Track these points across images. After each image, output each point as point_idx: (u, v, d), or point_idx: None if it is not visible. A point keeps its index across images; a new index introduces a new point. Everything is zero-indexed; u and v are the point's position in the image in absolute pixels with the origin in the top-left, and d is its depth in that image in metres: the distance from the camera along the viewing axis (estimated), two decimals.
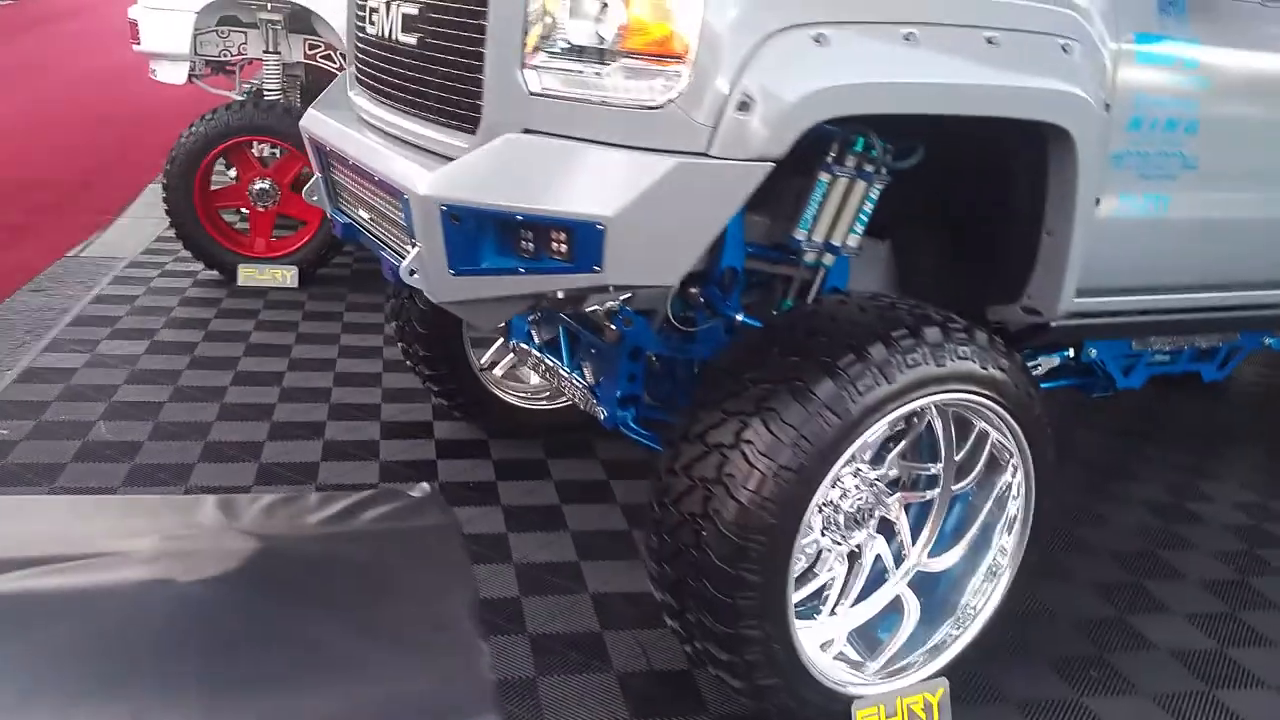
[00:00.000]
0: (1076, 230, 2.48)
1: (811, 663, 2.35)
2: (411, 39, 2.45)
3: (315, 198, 3.08)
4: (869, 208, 2.50)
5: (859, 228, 2.51)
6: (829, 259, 2.55)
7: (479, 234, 2.20)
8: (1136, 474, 4.03)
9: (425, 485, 1.80)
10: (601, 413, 2.86)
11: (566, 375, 3.04)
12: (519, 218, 2.13)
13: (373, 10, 2.67)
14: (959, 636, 2.55)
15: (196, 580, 1.38)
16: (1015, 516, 2.54)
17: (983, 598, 2.58)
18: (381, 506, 1.73)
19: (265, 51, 5.54)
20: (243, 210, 5.54)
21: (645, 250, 2.10)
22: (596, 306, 2.58)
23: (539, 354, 3.19)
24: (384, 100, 2.66)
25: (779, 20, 2.04)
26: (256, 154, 5.43)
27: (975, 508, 2.60)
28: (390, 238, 2.56)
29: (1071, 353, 3.20)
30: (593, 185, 2.09)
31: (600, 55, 2.09)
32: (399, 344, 3.82)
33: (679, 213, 2.09)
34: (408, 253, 2.43)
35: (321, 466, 3.56)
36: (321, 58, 5.70)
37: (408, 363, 3.85)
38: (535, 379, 3.98)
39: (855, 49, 2.10)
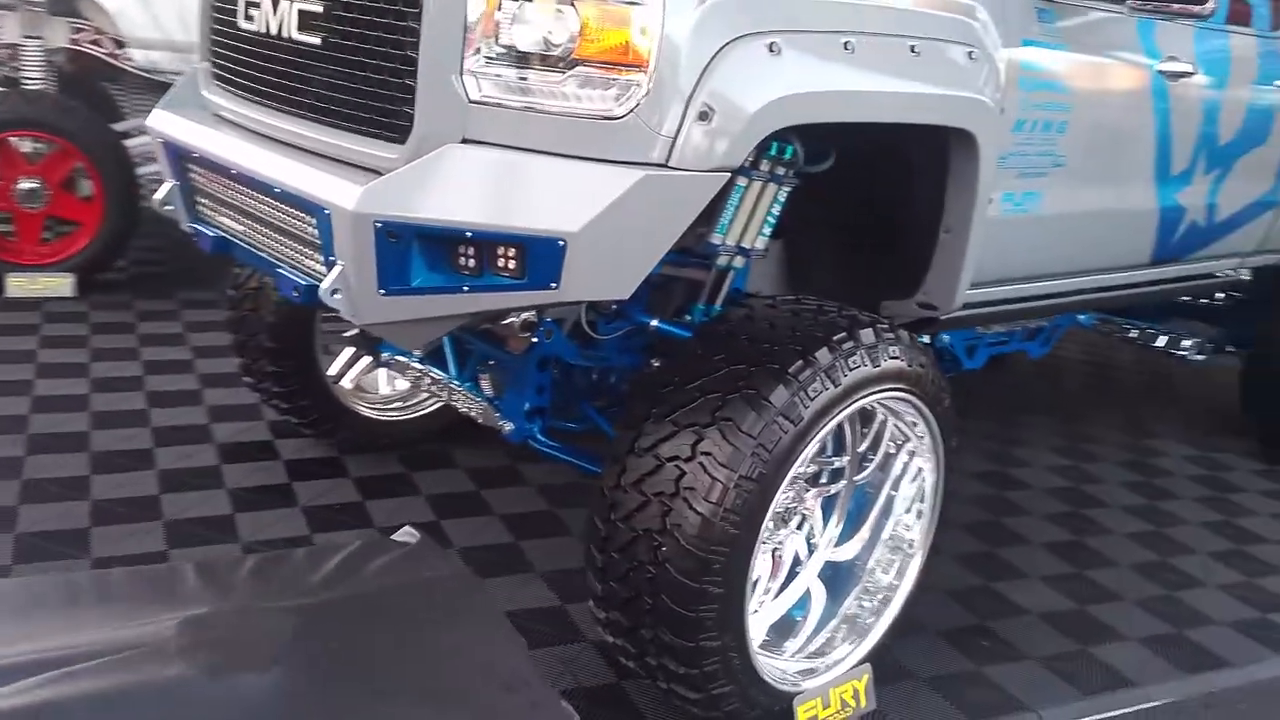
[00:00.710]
0: (975, 227, 2.61)
1: (760, 665, 2.37)
2: (313, 38, 2.25)
3: (169, 208, 2.77)
4: (777, 210, 2.52)
5: (767, 230, 2.53)
6: (740, 261, 2.57)
7: (416, 252, 2.06)
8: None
9: (411, 530, 1.67)
10: (506, 426, 2.75)
11: (457, 389, 2.90)
12: (469, 234, 2.01)
13: (251, 4, 2.43)
14: (881, 618, 2.65)
15: (243, 669, 1.20)
16: (926, 501, 2.66)
17: (898, 578, 2.68)
18: (380, 558, 1.59)
19: (25, 36, 4.92)
20: (5, 213, 4.92)
21: (604, 265, 2.04)
22: (514, 318, 2.48)
23: (420, 367, 3.03)
24: (268, 104, 2.44)
25: (736, 28, 2.02)
26: (20, 149, 4.83)
27: (875, 495, 2.69)
28: (288, 254, 2.35)
29: (927, 338, 3.38)
30: (552, 199, 2.00)
31: (553, 62, 2.00)
32: (240, 359, 3.53)
33: (639, 226, 2.04)
34: (315, 270, 2.27)
35: (164, 500, 3.23)
36: (88, 43, 5.14)
37: (248, 379, 3.56)
38: (385, 388, 3.79)
39: (804, 58, 2.12)
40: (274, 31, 2.36)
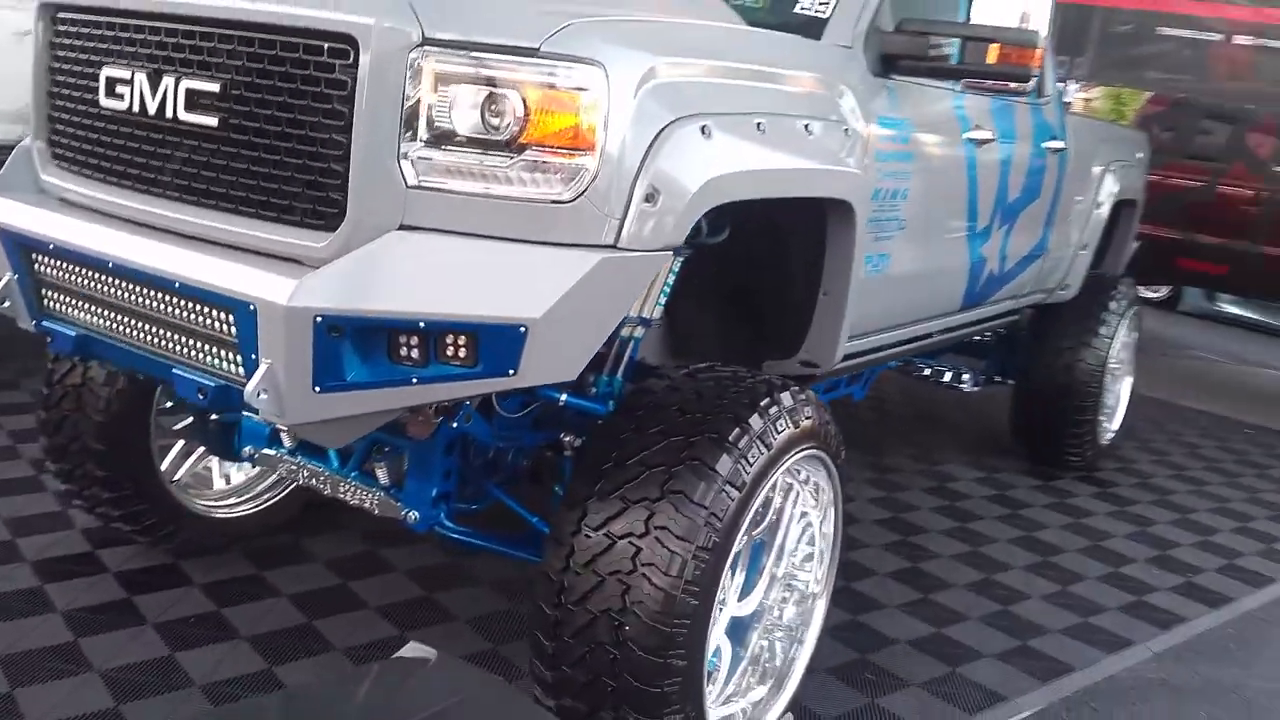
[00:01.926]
0: (852, 288, 2.79)
1: None
2: (207, 119, 2.10)
3: (5, 304, 2.48)
4: (673, 280, 2.59)
5: (664, 300, 2.60)
6: (640, 331, 2.61)
7: (358, 346, 1.97)
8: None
9: (417, 645, 1.58)
10: (410, 515, 2.63)
11: (344, 481, 2.75)
12: (422, 325, 1.94)
13: (116, 81, 2.23)
14: (795, 661, 2.73)
15: None
16: (826, 548, 2.78)
17: (805, 623, 2.77)
18: (412, 683, 1.49)
19: None
20: None
21: (560, 348, 2.03)
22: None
23: (296, 461, 2.84)
24: (142, 189, 2.24)
25: (674, 111, 2.08)
26: None
27: (773, 547, 2.78)
28: (187, 354, 2.16)
29: None
30: (509, 285, 1.97)
31: (498, 146, 1.97)
32: (57, 465, 3.17)
33: (593, 308, 2.05)
34: (225, 370, 2.10)
35: None
36: None
37: (69, 486, 3.21)
38: (219, 482, 3.52)
39: (729, 139, 2.21)
40: (151, 112, 2.18)
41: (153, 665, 2.78)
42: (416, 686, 1.50)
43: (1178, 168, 7.68)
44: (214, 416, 3.11)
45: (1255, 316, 10.34)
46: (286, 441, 2.89)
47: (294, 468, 2.85)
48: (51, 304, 2.43)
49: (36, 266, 2.41)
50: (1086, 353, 4.90)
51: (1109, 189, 4.99)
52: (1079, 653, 3.41)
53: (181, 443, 3.33)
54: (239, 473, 3.53)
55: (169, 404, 3.20)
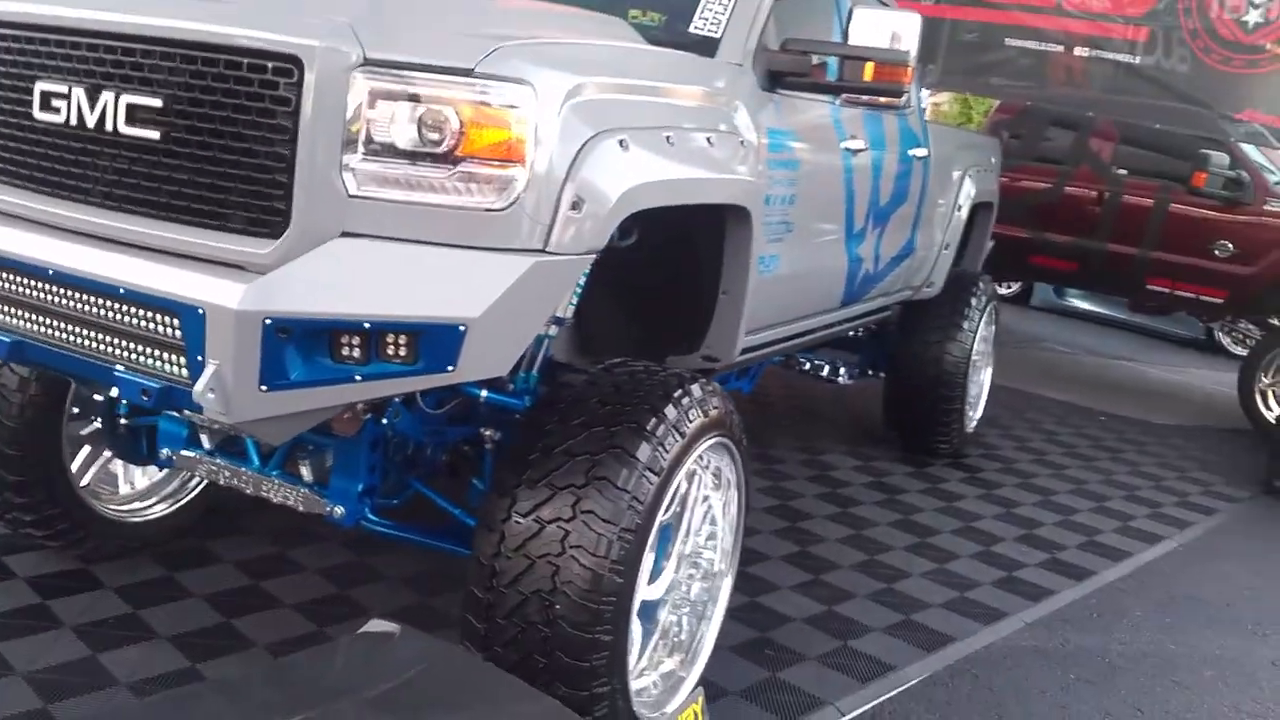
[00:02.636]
0: (749, 288, 3.01)
1: (634, 703, 2.57)
2: (148, 133, 2.17)
3: None
4: (583, 281, 2.76)
5: (574, 300, 2.76)
6: (554, 330, 2.78)
7: (303, 346, 2.08)
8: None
9: (379, 621, 1.71)
10: (336, 510, 2.73)
11: (267, 480, 2.83)
12: (366, 325, 2.07)
13: (50, 94, 2.27)
14: (704, 637, 2.93)
15: None
16: (729, 528, 2.98)
17: (713, 599, 2.97)
18: (382, 653, 1.62)
19: None
20: None
21: (494, 346, 2.18)
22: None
23: (214, 461, 2.91)
24: (83, 200, 2.28)
25: (595, 126, 2.26)
26: None
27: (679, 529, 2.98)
28: (128, 357, 2.22)
29: None
30: (448, 287, 2.11)
31: (435, 159, 2.11)
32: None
33: (524, 308, 2.21)
34: (168, 372, 2.18)
35: None
36: None
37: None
38: (124, 487, 3.53)
39: (644, 152, 2.39)
40: (90, 125, 2.23)
41: (76, 666, 2.81)
42: (386, 656, 1.64)
43: (1027, 171, 8.23)
44: (123, 421, 3.14)
45: (1102, 310, 11.09)
46: (206, 443, 2.96)
47: (214, 469, 2.91)
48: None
49: None
50: (951, 345, 5.26)
51: (967, 192, 5.37)
52: (958, 625, 3.71)
53: (88, 448, 3.34)
54: (143, 477, 3.55)
55: (76, 409, 3.22)
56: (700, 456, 2.72)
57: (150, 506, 3.54)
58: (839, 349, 5.63)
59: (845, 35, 3.17)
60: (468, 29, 2.23)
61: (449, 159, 2.11)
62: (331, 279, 2.07)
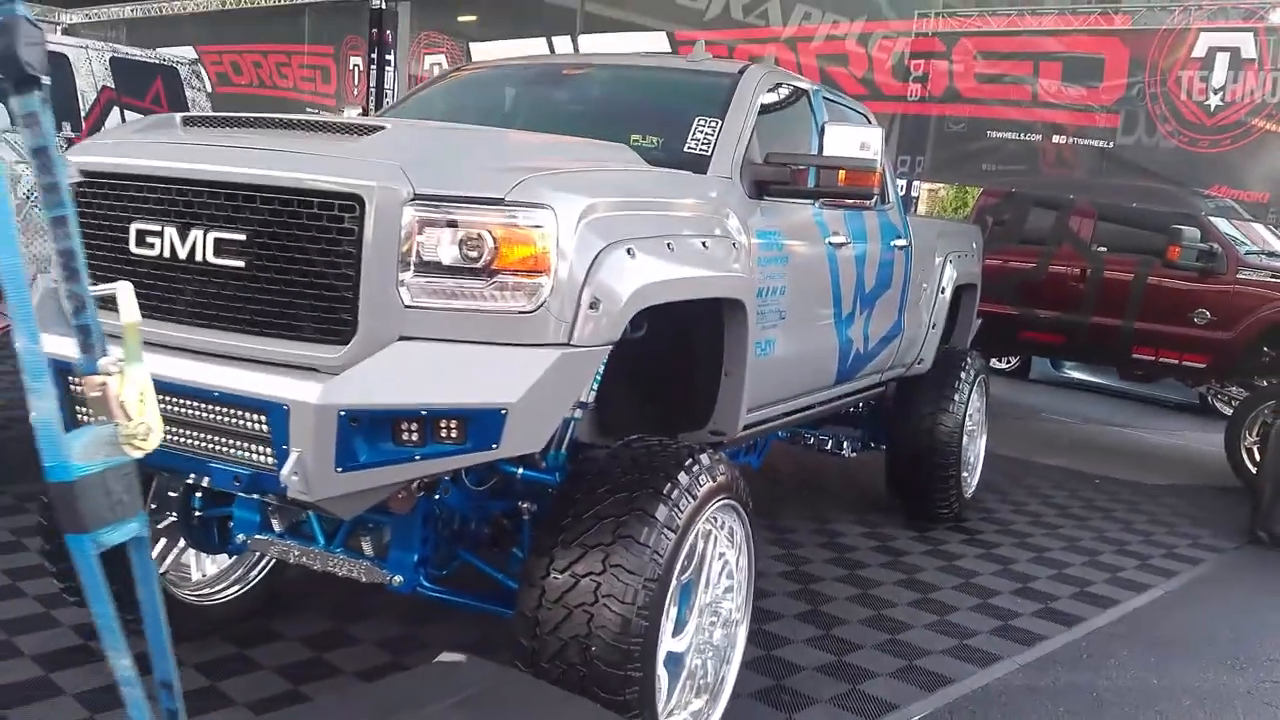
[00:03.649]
0: (748, 370, 3.43)
1: None
2: (236, 261, 2.61)
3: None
4: (601, 369, 3.18)
5: (595, 386, 3.18)
6: (579, 414, 3.18)
7: (371, 433, 2.49)
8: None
9: (449, 653, 2.07)
10: (396, 579, 3.11)
11: (332, 556, 3.22)
12: (423, 413, 2.48)
13: (146, 232, 2.73)
14: (725, 679, 3.26)
15: None
16: (742, 580, 3.34)
17: (732, 644, 3.31)
18: (454, 676, 1.99)
19: None
20: None
21: (530, 425, 2.59)
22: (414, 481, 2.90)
23: (285, 543, 3.30)
24: (174, 319, 2.71)
25: (606, 238, 2.70)
26: None
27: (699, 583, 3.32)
28: (221, 450, 2.63)
29: None
30: (490, 378, 2.53)
31: (474, 273, 2.55)
32: (56, 566, 3.54)
33: (554, 393, 2.62)
34: (257, 461, 2.58)
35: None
36: None
37: (65, 584, 3.57)
38: (196, 574, 3.92)
39: (649, 258, 2.84)
40: (182, 257, 2.68)
41: None
42: (459, 677, 2.01)
43: (1014, 252, 8.72)
44: (198, 514, 3.54)
45: (1097, 380, 11.47)
46: (276, 527, 3.36)
47: (285, 549, 3.30)
48: (87, 418, 2.87)
49: (74, 388, 2.86)
50: (944, 417, 5.65)
51: (950, 275, 5.83)
52: (957, 668, 4.02)
53: (164, 540, 3.74)
54: (212, 565, 3.93)
55: (154, 505, 3.62)
56: (713, 517, 3.10)
57: (220, 591, 3.91)
58: (842, 424, 6.04)
59: (820, 148, 3.64)
60: (498, 164, 2.69)
61: (486, 272, 2.55)
62: (393, 376, 2.49)
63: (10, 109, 1.24)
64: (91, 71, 5.81)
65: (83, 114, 5.74)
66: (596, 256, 2.67)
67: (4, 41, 1.19)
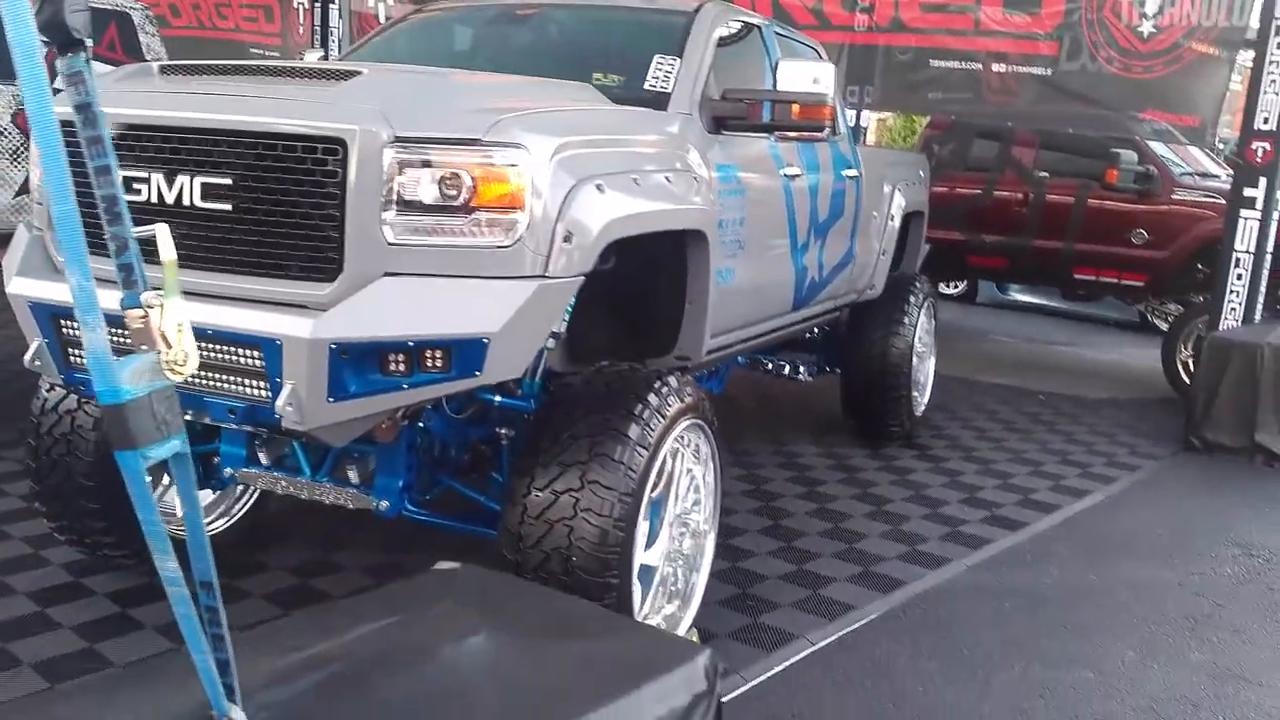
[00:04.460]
0: (710, 298, 3.61)
1: None
2: (223, 205, 2.72)
3: (39, 363, 3.03)
4: (572, 300, 3.34)
5: (567, 316, 3.35)
6: (552, 343, 3.35)
7: (360, 364, 2.65)
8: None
9: (445, 561, 2.26)
10: (381, 505, 3.28)
11: (320, 485, 3.38)
12: (410, 344, 2.64)
13: (133, 179, 2.82)
14: (695, 585, 3.50)
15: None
16: (708, 494, 3.56)
17: (700, 553, 3.54)
18: (454, 579, 2.18)
19: None
20: None
21: (511, 353, 2.76)
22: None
23: (273, 474, 3.45)
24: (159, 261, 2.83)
25: (577, 176, 2.85)
26: None
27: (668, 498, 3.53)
28: (215, 385, 2.77)
29: None
30: (472, 309, 2.69)
31: (453, 211, 2.69)
32: (48, 506, 3.67)
33: (532, 322, 2.79)
34: (251, 394, 2.73)
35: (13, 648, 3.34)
36: None
37: (58, 523, 3.71)
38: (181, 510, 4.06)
39: (617, 193, 2.99)
40: (170, 202, 2.79)
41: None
42: (457, 581, 2.20)
43: (959, 179, 8.95)
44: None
45: (1042, 301, 11.82)
46: (264, 459, 3.51)
47: (273, 480, 3.46)
48: (78, 359, 2.99)
49: (64, 331, 2.97)
50: (895, 339, 5.89)
51: (899, 203, 6.03)
52: (910, 571, 4.30)
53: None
54: (200, 498, 4.08)
55: None
56: (681, 436, 3.30)
57: (208, 524, 4.07)
58: (798, 350, 6.27)
59: (774, 83, 3.79)
60: (473, 106, 2.81)
61: (465, 210, 2.69)
62: (379, 310, 2.64)
63: (57, 69, 1.37)
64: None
65: None
66: (569, 192, 2.82)
67: (52, 9, 1.31)
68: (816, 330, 6.13)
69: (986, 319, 11.42)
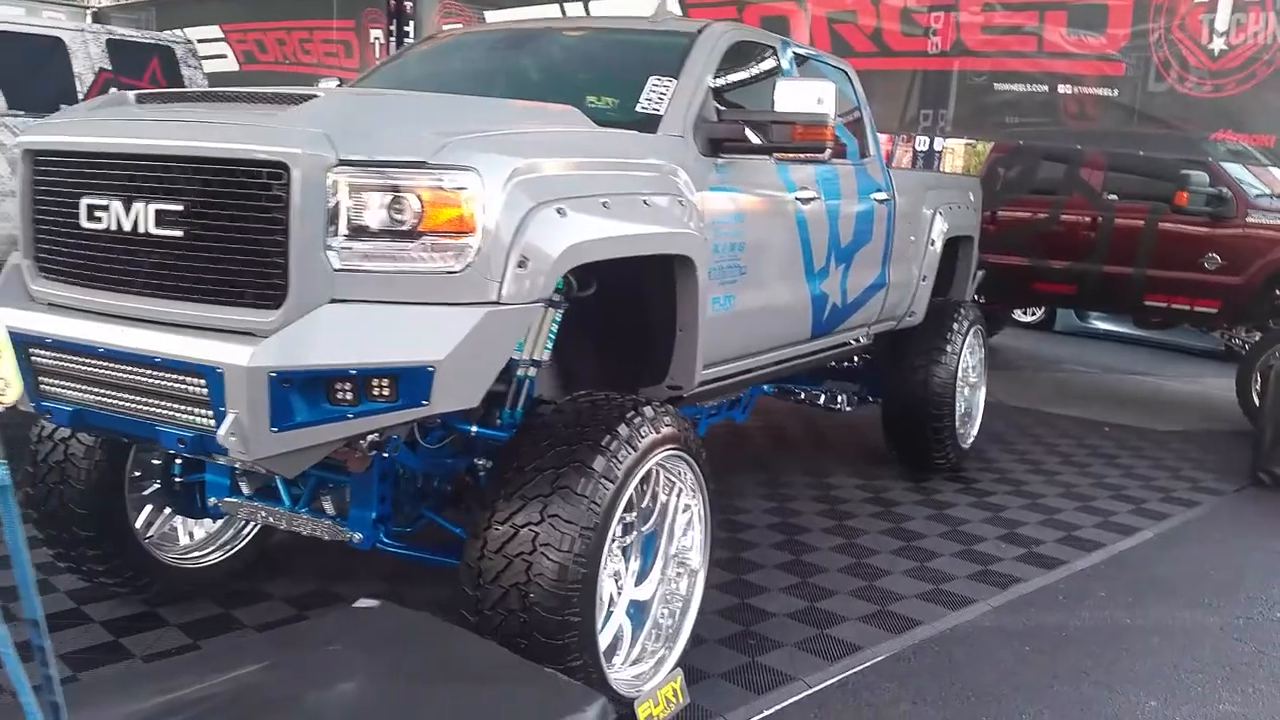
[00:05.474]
0: (701, 325, 3.48)
1: (610, 678, 3.00)
2: (175, 231, 2.70)
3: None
4: (555, 328, 3.25)
5: (549, 345, 3.25)
6: (533, 372, 3.26)
7: (305, 392, 2.58)
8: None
9: (365, 599, 2.17)
10: (355, 537, 3.22)
11: (297, 516, 3.33)
12: (352, 372, 2.57)
13: (95, 207, 2.83)
14: (685, 623, 3.34)
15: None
16: (700, 531, 3.41)
17: (690, 590, 3.39)
18: (368, 619, 2.09)
19: None
20: None
21: (461, 382, 2.67)
22: (362, 441, 3.00)
23: (253, 504, 3.42)
24: (119, 289, 2.82)
25: (534, 199, 2.77)
26: None
27: (660, 536, 3.40)
28: (166, 414, 2.74)
29: None
30: (417, 337, 2.61)
31: (401, 235, 2.62)
32: (44, 533, 3.70)
33: (484, 349, 2.70)
34: (198, 423, 2.68)
35: None
36: None
37: (56, 549, 3.73)
38: (184, 538, 4.06)
39: (581, 216, 2.89)
40: (128, 229, 2.78)
41: None
42: (367, 622, 2.11)
43: (1024, 203, 8.64)
44: (177, 479, 3.68)
45: (1122, 329, 11.32)
46: (245, 489, 3.49)
47: (253, 510, 3.43)
48: (47, 387, 2.99)
49: (34, 358, 2.98)
50: (937, 368, 5.65)
51: (940, 228, 5.80)
52: (929, 611, 4.07)
53: (150, 506, 3.88)
54: (201, 530, 4.08)
55: (138, 473, 3.76)
56: (667, 467, 3.17)
57: (207, 554, 4.06)
58: (840, 379, 6.07)
59: (772, 103, 3.66)
60: (424, 128, 2.74)
61: (413, 234, 2.62)
62: (323, 337, 2.57)
63: None
64: (88, 54, 5.95)
65: (80, 97, 5.89)
66: (525, 216, 2.73)
67: None
68: (856, 359, 5.93)
69: (1062, 347, 10.99)
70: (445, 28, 12.27)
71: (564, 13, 10.84)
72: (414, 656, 1.95)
